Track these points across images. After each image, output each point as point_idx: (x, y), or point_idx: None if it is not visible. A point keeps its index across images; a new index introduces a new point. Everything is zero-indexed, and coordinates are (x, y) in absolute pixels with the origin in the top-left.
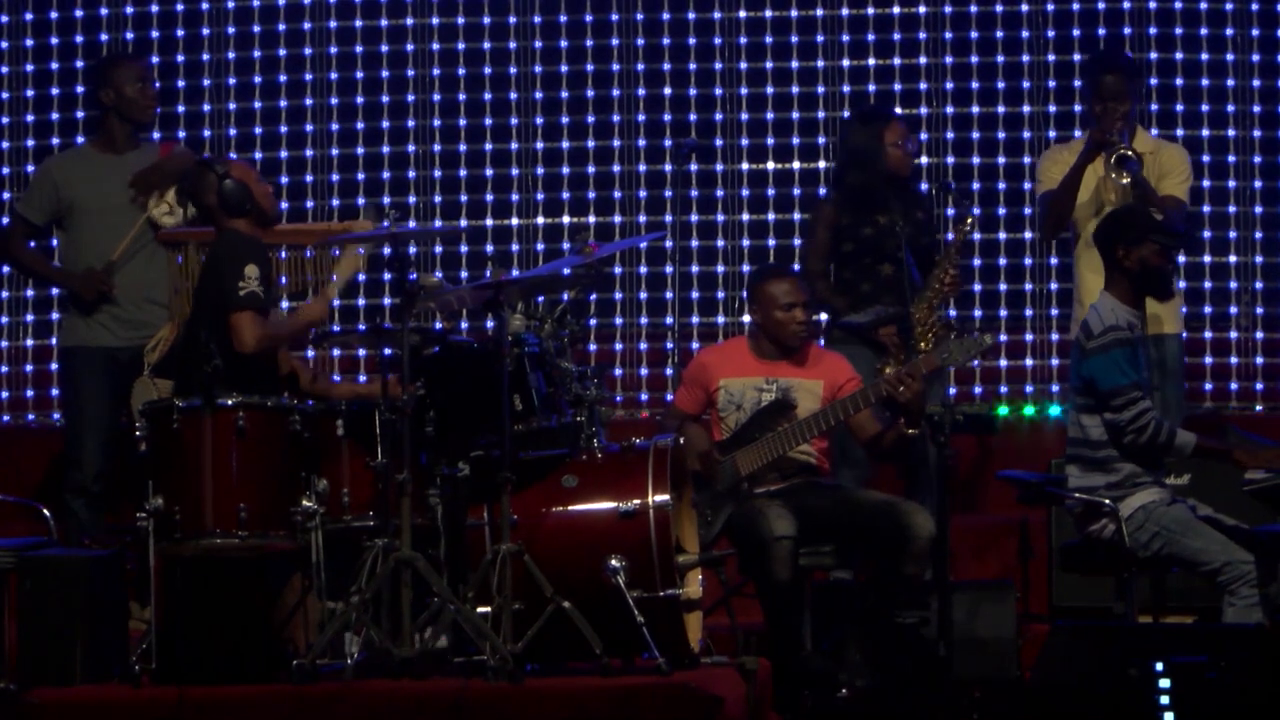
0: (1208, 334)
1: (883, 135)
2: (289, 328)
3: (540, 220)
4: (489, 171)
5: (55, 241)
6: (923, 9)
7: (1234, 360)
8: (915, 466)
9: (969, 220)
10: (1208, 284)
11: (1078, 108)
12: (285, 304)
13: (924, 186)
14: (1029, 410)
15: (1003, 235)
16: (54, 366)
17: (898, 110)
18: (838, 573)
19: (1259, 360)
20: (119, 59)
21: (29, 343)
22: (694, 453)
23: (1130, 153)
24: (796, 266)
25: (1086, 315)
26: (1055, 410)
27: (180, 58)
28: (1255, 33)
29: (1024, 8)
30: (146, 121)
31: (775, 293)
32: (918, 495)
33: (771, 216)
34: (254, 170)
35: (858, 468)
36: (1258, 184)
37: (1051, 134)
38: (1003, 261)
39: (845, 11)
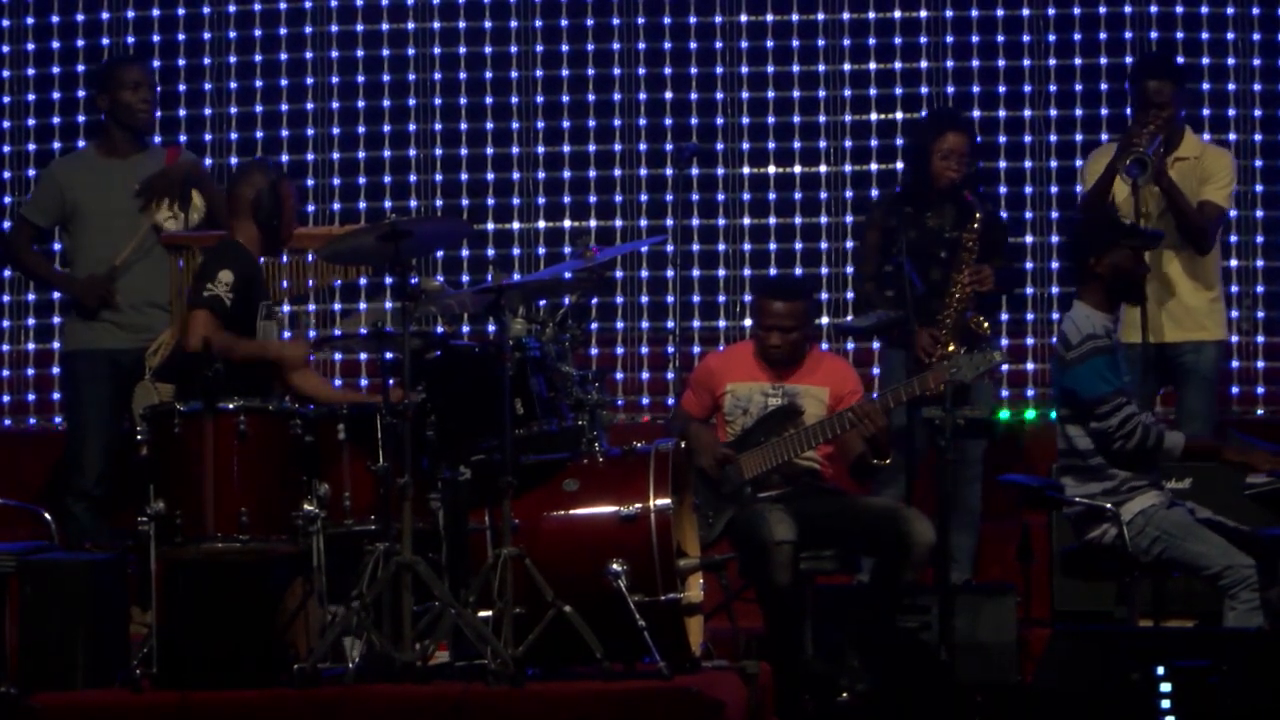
0: None
1: (935, 142)
2: (253, 349)
3: (541, 224)
4: (490, 175)
5: (59, 246)
6: (924, 13)
7: (1235, 364)
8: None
9: (975, 220)
10: None
11: (1079, 111)
12: (286, 308)
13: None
14: (1030, 414)
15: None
16: (55, 371)
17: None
18: (860, 577)
19: (1260, 364)
20: (115, 64)
21: (30, 347)
22: (705, 452)
23: (1143, 158)
24: (817, 269)
25: (1063, 326)
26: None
27: (181, 61)
28: (1256, 37)
29: (1025, 12)
30: (141, 127)
31: (758, 311)
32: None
33: (773, 220)
34: (293, 199)
35: (892, 485)
36: (1259, 188)
37: (1053, 138)
38: None
39: (846, 15)
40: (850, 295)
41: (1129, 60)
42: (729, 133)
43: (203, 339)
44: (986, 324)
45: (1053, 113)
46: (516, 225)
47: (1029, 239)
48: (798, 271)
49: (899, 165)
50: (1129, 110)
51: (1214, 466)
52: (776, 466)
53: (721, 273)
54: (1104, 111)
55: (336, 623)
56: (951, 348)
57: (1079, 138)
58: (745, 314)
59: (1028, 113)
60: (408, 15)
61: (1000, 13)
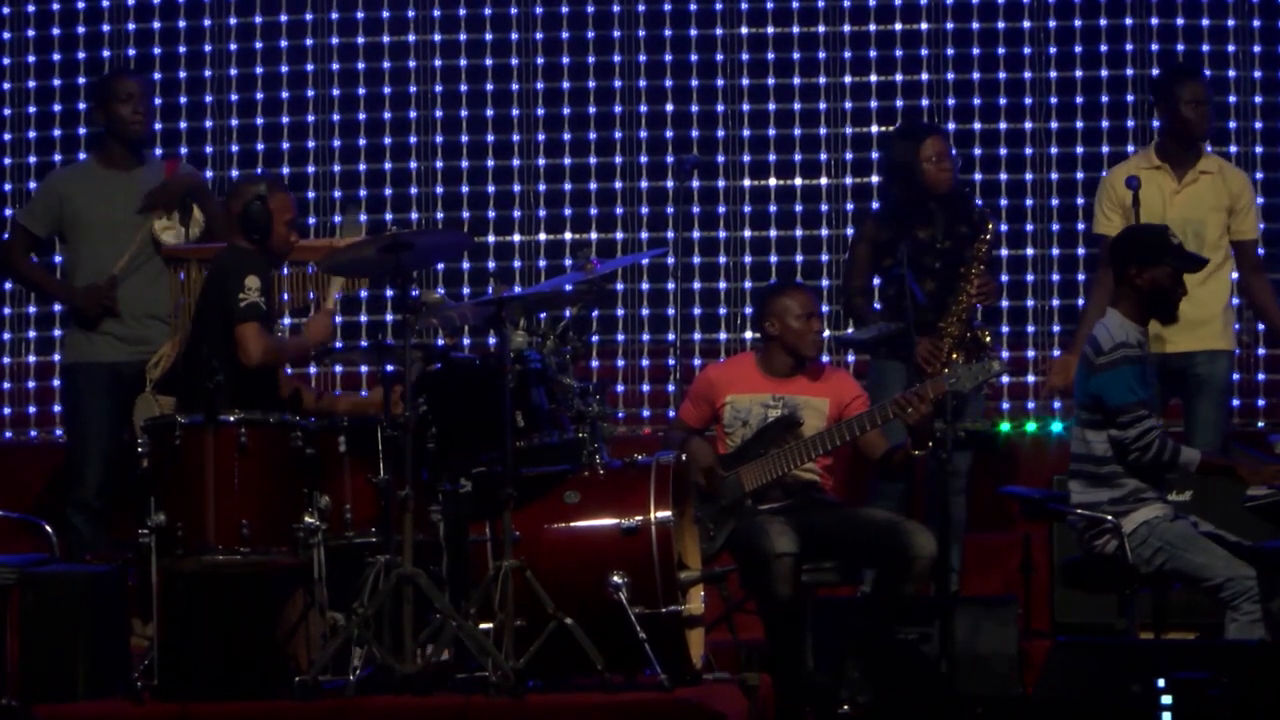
0: None
1: (919, 150)
2: (294, 345)
3: (542, 236)
4: (491, 188)
5: (59, 258)
6: (925, 25)
7: (1236, 376)
8: (931, 490)
9: (988, 231)
10: None
11: (1079, 124)
12: (287, 320)
13: (979, 202)
14: (1031, 426)
15: (1004, 252)
16: (56, 383)
17: (948, 126)
18: (861, 588)
19: (1260, 376)
20: (111, 77)
21: (31, 359)
22: (698, 467)
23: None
24: (818, 281)
25: (1094, 331)
26: (1057, 426)
27: (182, 74)
28: (1257, 49)
29: (1026, 24)
30: (135, 139)
31: (791, 304)
32: (931, 517)
33: (773, 233)
34: (292, 213)
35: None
36: (1260, 200)
37: (1053, 150)
38: (1004, 278)
39: (847, 28)
40: None
41: (1130, 72)
42: (730, 145)
43: (261, 349)
44: (989, 336)
45: (1054, 125)
46: (517, 237)
47: (1030, 251)
48: (798, 284)
49: None
50: (1155, 123)
51: (1215, 480)
52: (776, 479)
53: (722, 285)
54: (1105, 124)
55: (337, 634)
56: (956, 357)
57: (1080, 150)
58: (746, 326)
59: (1028, 125)
60: (409, 28)
61: (1001, 25)
